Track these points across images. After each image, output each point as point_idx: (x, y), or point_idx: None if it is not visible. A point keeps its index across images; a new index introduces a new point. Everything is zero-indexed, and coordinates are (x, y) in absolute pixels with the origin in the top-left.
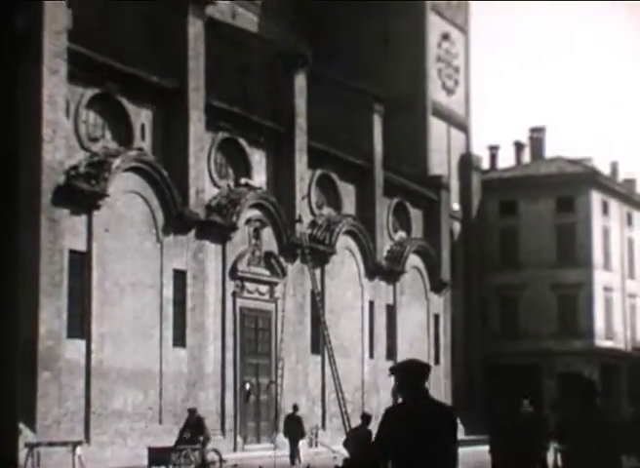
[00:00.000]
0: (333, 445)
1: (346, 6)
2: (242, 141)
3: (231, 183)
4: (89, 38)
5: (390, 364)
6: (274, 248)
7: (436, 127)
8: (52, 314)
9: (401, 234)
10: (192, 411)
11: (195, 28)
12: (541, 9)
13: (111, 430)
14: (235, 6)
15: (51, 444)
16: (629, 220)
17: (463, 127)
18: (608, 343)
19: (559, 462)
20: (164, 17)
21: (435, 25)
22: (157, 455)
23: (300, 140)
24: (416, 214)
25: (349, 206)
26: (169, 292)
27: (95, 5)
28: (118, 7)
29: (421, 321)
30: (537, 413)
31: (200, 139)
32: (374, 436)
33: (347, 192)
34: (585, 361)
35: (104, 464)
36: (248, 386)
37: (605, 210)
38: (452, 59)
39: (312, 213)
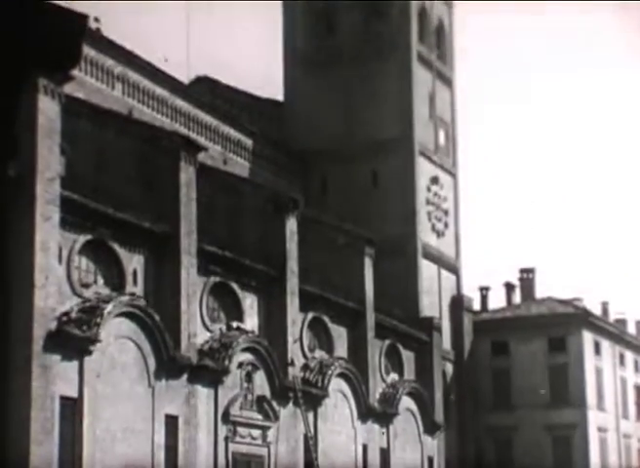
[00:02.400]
0: None
1: (336, 149)
2: (234, 285)
3: (223, 327)
4: (81, 182)
5: None
6: (266, 391)
7: (427, 269)
8: (42, 461)
9: (393, 376)
10: None
11: (187, 174)
12: (525, 152)
13: None
14: (226, 152)
15: None
16: (621, 360)
17: (454, 268)
18: None
19: None
20: (156, 162)
21: (424, 169)
22: None
23: (292, 284)
24: (408, 356)
25: (341, 348)
26: (160, 437)
27: (88, 149)
28: (111, 151)
29: (415, 464)
30: None
31: (192, 284)
32: None
33: (339, 335)
34: None
35: None
36: None
37: (597, 349)
38: (441, 202)
39: (304, 356)
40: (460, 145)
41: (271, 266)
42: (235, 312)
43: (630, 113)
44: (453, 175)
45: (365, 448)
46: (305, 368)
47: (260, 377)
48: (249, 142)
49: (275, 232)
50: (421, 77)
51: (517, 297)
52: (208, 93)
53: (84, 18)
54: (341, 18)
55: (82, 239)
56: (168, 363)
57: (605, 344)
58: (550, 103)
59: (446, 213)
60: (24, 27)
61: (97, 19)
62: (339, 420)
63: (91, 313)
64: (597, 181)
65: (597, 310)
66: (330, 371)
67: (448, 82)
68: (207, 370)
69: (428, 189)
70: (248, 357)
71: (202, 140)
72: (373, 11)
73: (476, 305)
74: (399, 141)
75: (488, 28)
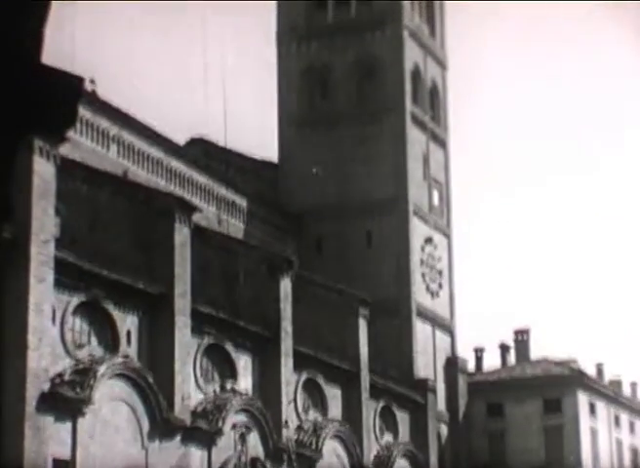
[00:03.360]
0: None
1: (330, 210)
2: (228, 346)
3: (217, 388)
4: (76, 243)
5: None
6: (260, 453)
7: (421, 329)
8: None
9: (388, 438)
10: None
11: (181, 235)
12: (519, 213)
13: None
14: (221, 213)
15: None
16: (617, 422)
17: (448, 329)
18: None
19: None
20: (151, 223)
21: (418, 229)
22: None
23: (286, 344)
24: (402, 418)
25: (335, 409)
26: None
27: (83, 210)
28: (106, 212)
29: None
30: None
31: (186, 345)
32: None
33: (333, 395)
34: None
35: None
36: None
37: (592, 411)
38: (435, 263)
39: (298, 417)
40: (454, 206)
41: (265, 327)
42: (229, 373)
43: (626, 178)
44: (447, 235)
45: None
46: (299, 429)
47: (253, 439)
48: (243, 203)
49: (269, 293)
50: (416, 138)
51: (512, 358)
52: (203, 154)
53: (80, 80)
54: (336, 80)
55: (76, 300)
56: (161, 424)
57: (600, 406)
58: (545, 165)
59: (440, 273)
60: (19, 88)
61: (92, 81)
62: None
63: (84, 374)
64: (591, 242)
65: (592, 371)
66: (324, 433)
67: (442, 143)
68: (200, 432)
69: (422, 250)
70: (242, 418)
71: (197, 201)
72: (367, 73)
73: (471, 366)
74: (393, 202)
75: (482, 90)
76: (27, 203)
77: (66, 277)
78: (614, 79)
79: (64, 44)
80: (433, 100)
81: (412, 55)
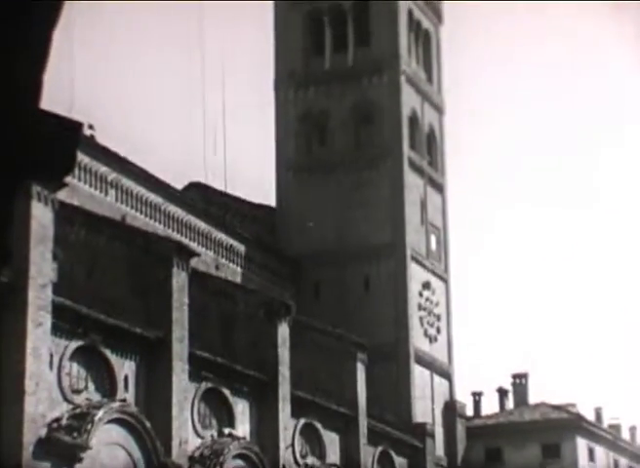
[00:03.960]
0: None
1: (328, 254)
2: (225, 391)
3: (215, 433)
4: (74, 288)
5: None
6: None
7: (419, 374)
8: None
9: None
10: None
11: (179, 280)
12: (516, 258)
13: None
14: (219, 257)
15: None
16: (616, 467)
17: (446, 374)
18: None
19: None
20: (149, 268)
21: (416, 274)
22: None
23: (284, 389)
24: (400, 463)
25: (333, 455)
26: None
27: (81, 255)
28: (104, 257)
29: None
30: None
31: (183, 390)
32: None
33: (331, 440)
34: None
35: None
36: None
37: (591, 456)
38: (433, 308)
39: (296, 462)
40: (452, 251)
41: (263, 372)
42: (227, 418)
43: (624, 221)
44: (444, 280)
45: None
46: None
47: None
48: (241, 248)
49: (267, 338)
50: (413, 183)
51: (510, 403)
52: (201, 199)
53: (79, 125)
54: (334, 125)
55: (73, 345)
56: None
57: (599, 450)
58: (543, 212)
59: (438, 318)
60: (18, 134)
61: (91, 127)
62: None
63: (81, 419)
64: (590, 286)
65: (591, 416)
66: None
67: (439, 188)
68: None
69: (420, 294)
70: (239, 463)
71: (195, 246)
72: (364, 119)
73: (469, 411)
74: (391, 247)
75: (479, 135)
76: (25, 248)
77: (64, 322)
78: (615, 114)
79: (63, 89)
80: (430, 145)
81: (409, 100)
